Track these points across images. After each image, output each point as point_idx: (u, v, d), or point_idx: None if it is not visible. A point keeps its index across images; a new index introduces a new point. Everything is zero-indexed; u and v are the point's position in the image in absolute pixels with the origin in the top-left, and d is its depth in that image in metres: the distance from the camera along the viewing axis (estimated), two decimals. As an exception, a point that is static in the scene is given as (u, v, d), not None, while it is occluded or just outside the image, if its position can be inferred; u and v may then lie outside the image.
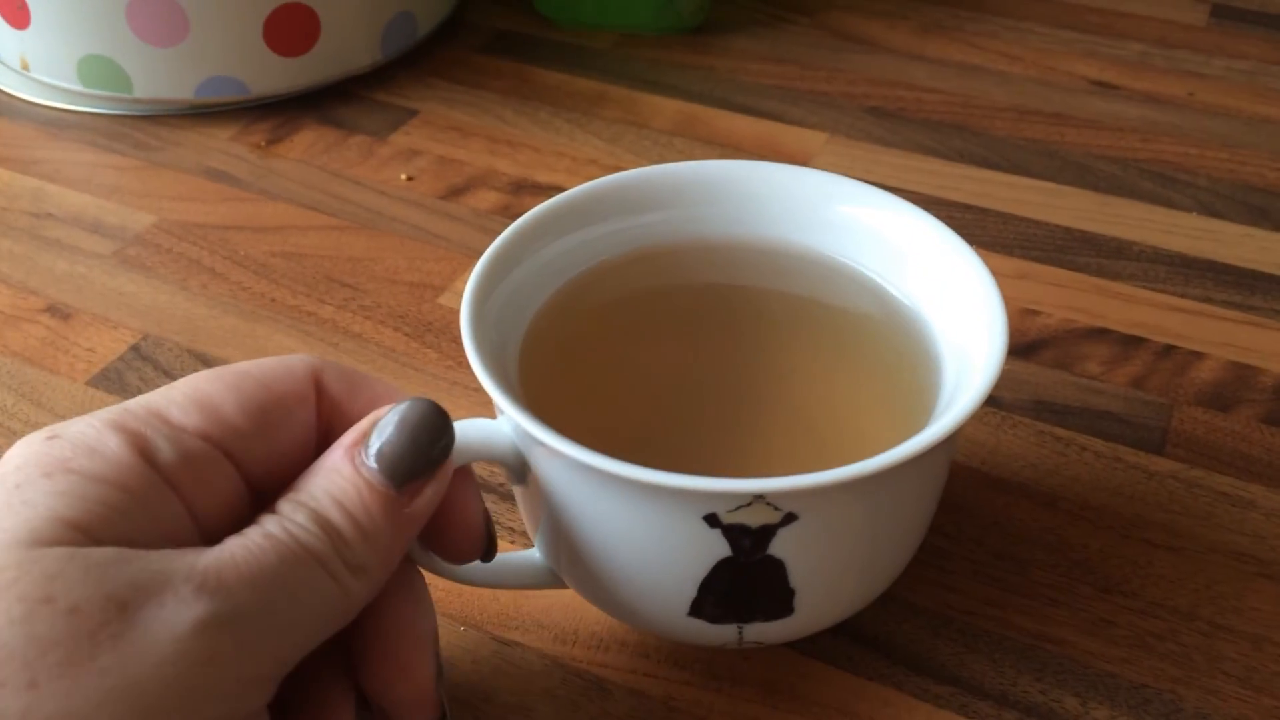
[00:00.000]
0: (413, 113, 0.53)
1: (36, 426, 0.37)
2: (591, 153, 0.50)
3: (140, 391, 0.38)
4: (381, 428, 0.24)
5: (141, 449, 0.22)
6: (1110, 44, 0.58)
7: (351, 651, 0.25)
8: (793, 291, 0.32)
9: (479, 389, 0.26)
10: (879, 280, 0.32)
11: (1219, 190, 0.48)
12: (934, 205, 0.46)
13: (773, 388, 0.30)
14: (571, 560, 0.27)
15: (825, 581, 0.27)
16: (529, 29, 0.60)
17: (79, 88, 0.52)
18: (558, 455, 0.25)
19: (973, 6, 0.62)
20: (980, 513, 0.34)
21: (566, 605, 0.31)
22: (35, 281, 0.43)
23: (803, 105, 0.53)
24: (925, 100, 0.54)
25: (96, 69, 0.51)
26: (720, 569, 0.25)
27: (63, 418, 0.37)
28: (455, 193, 0.48)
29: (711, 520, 0.24)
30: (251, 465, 0.24)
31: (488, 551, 0.27)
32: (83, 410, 0.37)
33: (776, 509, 0.24)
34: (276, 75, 0.52)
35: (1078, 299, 0.42)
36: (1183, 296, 0.42)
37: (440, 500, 0.25)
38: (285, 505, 0.23)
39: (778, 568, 0.25)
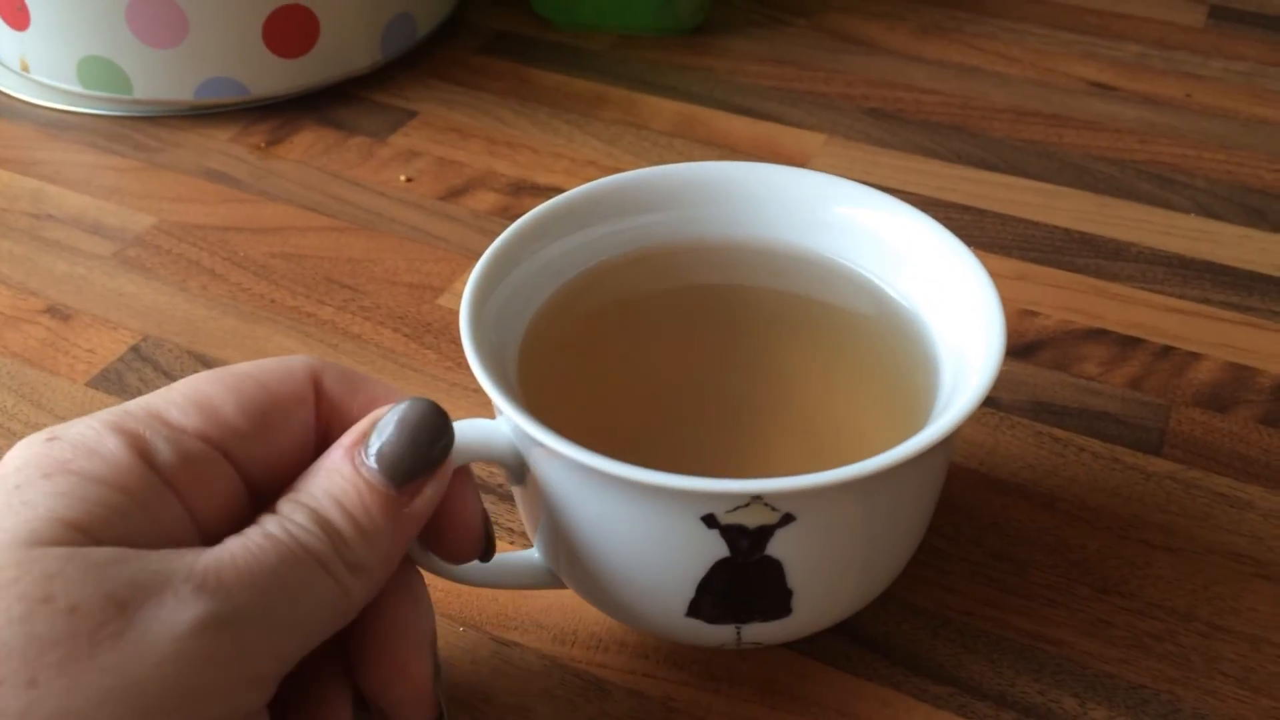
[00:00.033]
0: (412, 114, 0.53)
1: (36, 427, 0.37)
2: (590, 154, 0.50)
3: (140, 392, 0.38)
4: (381, 428, 0.24)
5: (141, 450, 0.22)
6: (1108, 45, 0.59)
7: (350, 651, 0.25)
8: (791, 292, 0.32)
9: (478, 390, 0.26)
10: (877, 281, 0.32)
11: (1217, 191, 0.48)
12: (932, 206, 0.46)
13: (771, 388, 0.30)
14: (570, 560, 0.27)
15: (823, 582, 0.27)
16: (528, 30, 0.60)
17: (79, 89, 0.52)
18: (556, 455, 0.25)
19: (971, 8, 0.62)
20: (978, 513, 0.34)
21: (565, 606, 0.31)
22: (35, 282, 0.43)
23: (801, 106, 0.53)
24: (924, 101, 0.54)
25: (96, 70, 0.51)
26: (718, 569, 0.25)
27: (63, 419, 0.37)
28: (454, 194, 0.48)
29: (709, 521, 0.24)
30: (250, 466, 0.24)
31: (486, 551, 0.27)
32: (83, 411, 0.37)
33: (774, 510, 0.24)
34: (276, 76, 0.52)
35: (1076, 300, 0.42)
36: (1181, 297, 0.42)
37: (440, 500, 0.25)
38: (285, 505, 0.23)
39: (775, 568, 0.25)
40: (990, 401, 0.38)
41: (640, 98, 0.54)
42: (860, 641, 0.31)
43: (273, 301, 0.42)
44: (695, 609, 0.26)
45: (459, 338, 0.28)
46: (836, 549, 0.26)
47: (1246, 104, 0.54)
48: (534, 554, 0.29)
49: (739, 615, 0.27)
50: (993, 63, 0.57)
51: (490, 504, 0.35)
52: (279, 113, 0.53)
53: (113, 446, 0.22)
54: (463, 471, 0.26)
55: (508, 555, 0.29)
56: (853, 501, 0.25)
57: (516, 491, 0.29)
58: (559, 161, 0.50)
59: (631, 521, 0.25)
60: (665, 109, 0.53)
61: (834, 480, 0.23)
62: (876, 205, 0.31)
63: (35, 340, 0.41)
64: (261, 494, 0.25)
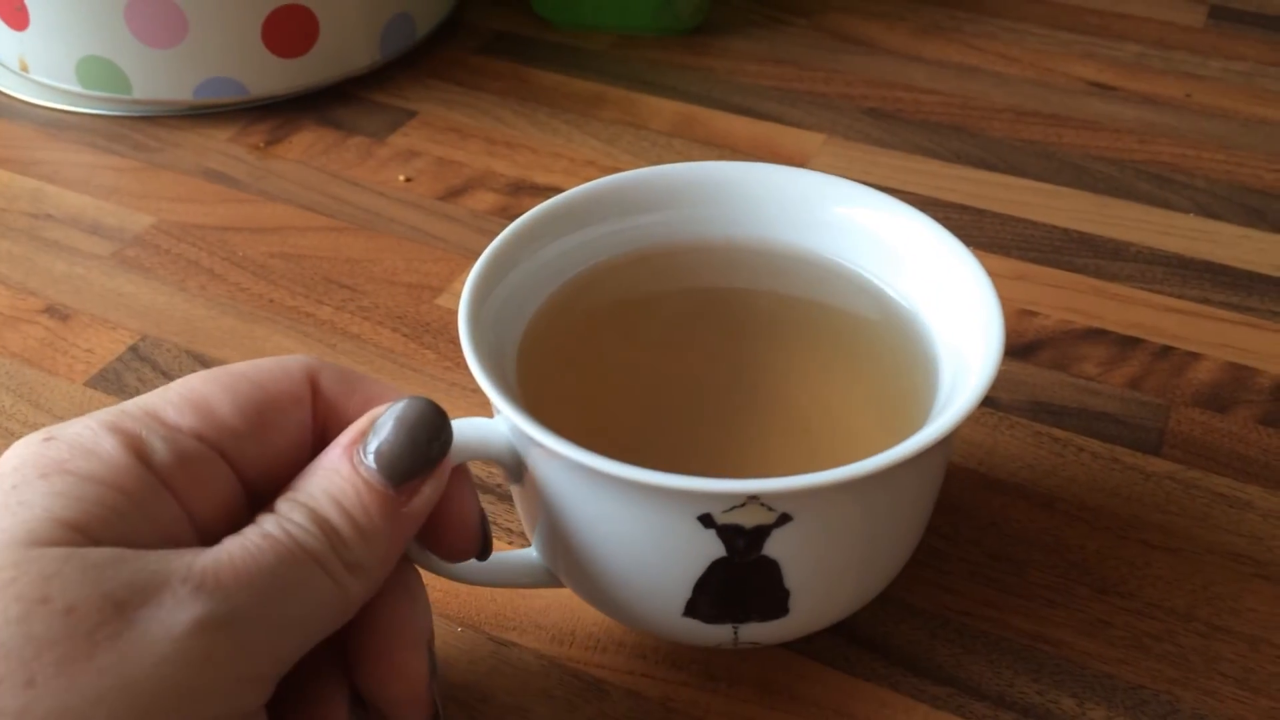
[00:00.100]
0: (411, 114, 0.53)
1: (35, 427, 0.37)
2: (589, 154, 0.50)
3: (139, 392, 0.38)
4: (379, 427, 0.24)
5: (137, 450, 0.22)
6: (1108, 45, 0.59)
7: (347, 649, 0.25)
8: (790, 292, 0.32)
9: (477, 389, 0.26)
10: (876, 281, 0.32)
11: (1216, 191, 0.48)
12: (931, 206, 0.46)
13: (769, 388, 0.30)
14: (568, 560, 0.27)
15: (821, 582, 0.27)
16: (527, 30, 0.60)
17: (78, 89, 0.52)
18: (554, 455, 0.25)
19: (971, 8, 0.62)
20: (977, 514, 0.34)
21: (564, 606, 0.31)
22: (34, 282, 0.43)
23: (800, 106, 0.53)
24: (923, 101, 0.54)
25: (95, 70, 0.51)
26: (715, 569, 0.25)
27: (61, 418, 0.37)
28: (453, 194, 0.48)
29: (706, 520, 0.24)
30: (247, 466, 0.24)
31: (483, 550, 0.27)
32: (81, 411, 0.37)
33: (771, 510, 0.24)
34: (275, 76, 0.52)
35: (1075, 300, 0.42)
36: (1180, 297, 0.42)
37: (438, 499, 0.25)
38: (283, 505, 0.23)
39: (772, 568, 0.25)
40: (989, 401, 0.38)
41: (639, 98, 0.54)
42: (858, 642, 0.31)
43: (271, 301, 0.42)
44: (692, 609, 0.26)
45: (458, 337, 0.28)
46: (834, 549, 0.26)
47: (1246, 104, 0.54)
48: (532, 553, 0.29)
49: (736, 615, 0.27)
50: (992, 63, 0.57)
51: (488, 503, 0.35)
52: (278, 113, 0.53)
53: (110, 446, 0.22)
54: (460, 471, 0.26)
55: (506, 554, 0.29)
56: (850, 502, 0.25)
57: (515, 491, 0.29)
58: (558, 161, 0.50)
59: (629, 521, 0.25)
60: (664, 109, 0.53)
61: (831, 480, 0.23)
62: (875, 205, 0.31)
63: (34, 340, 0.41)
64: (259, 494, 0.24)
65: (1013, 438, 0.36)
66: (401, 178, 0.49)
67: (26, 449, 0.22)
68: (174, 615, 0.20)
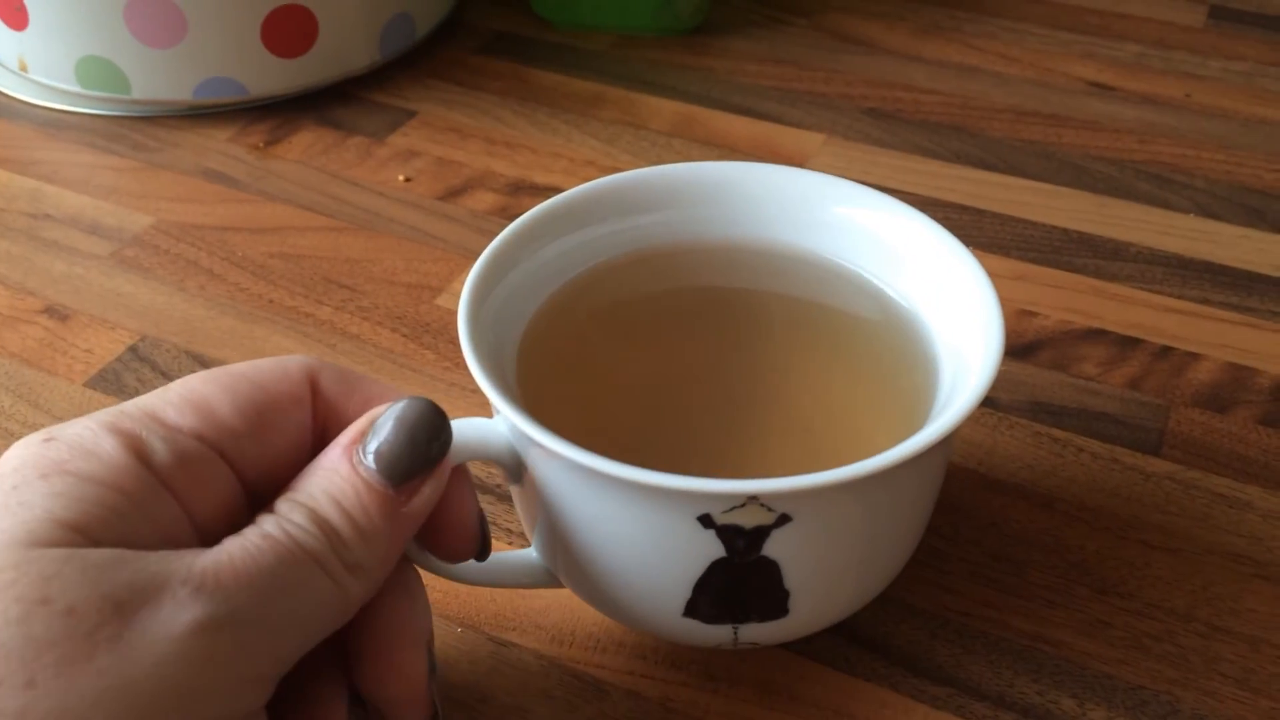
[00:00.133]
0: (411, 114, 0.53)
1: (35, 427, 0.37)
2: (589, 154, 0.50)
3: (138, 393, 0.38)
4: (378, 427, 0.24)
5: (137, 450, 0.22)
6: (1108, 45, 0.58)
7: (346, 649, 0.25)
8: (789, 293, 0.32)
9: (477, 390, 0.26)
10: (876, 281, 0.32)
11: (1216, 191, 0.48)
12: (931, 206, 0.46)
13: (769, 389, 0.30)
14: (567, 560, 0.27)
15: (821, 583, 0.27)
16: (527, 30, 0.60)
17: (77, 89, 0.52)
18: (553, 455, 0.25)
19: (970, 8, 0.62)
20: (977, 514, 0.34)
21: (563, 606, 0.31)
22: (33, 282, 0.43)
23: (800, 106, 0.53)
24: (923, 101, 0.54)
25: (95, 70, 0.51)
26: (714, 570, 0.25)
27: (61, 419, 0.37)
28: (453, 194, 0.48)
29: (705, 521, 0.24)
30: (247, 466, 0.24)
31: (482, 551, 0.27)
32: (81, 411, 0.37)
33: (770, 510, 0.24)
34: (275, 76, 0.52)
35: (1075, 300, 0.42)
36: (1180, 298, 0.42)
37: (438, 499, 0.25)
38: (283, 505, 0.23)
39: (772, 569, 0.25)
40: (989, 402, 0.38)
41: (639, 98, 0.54)
42: (858, 642, 0.31)
43: (271, 301, 0.42)
44: (692, 609, 0.26)
45: (457, 338, 0.28)
46: (834, 550, 0.26)
47: (1246, 104, 0.54)
48: (531, 553, 0.29)
49: (736, 615, 0.27)
50: (992, 63, 0.57)
51: (488, 504, 0.34)
52: (277, 113, 0.53)
53: (109, 447, 0.22)
54: (459, 471, 0.26)
55: (505, 554, 0.29)
56: (850, 502, 0.25)
57: (514, 491, 0.29)
58: (558, 161, 0.50)
59: (628, 521, 0.25)
60: (664, 109, 0.53)
61: (831, 481, 0.23)
62: (875, 205, 0.31)
63: (33, 340, 0.41)
64: (259, 494, 0.24)
65: (1012, 438, 0.36)
66: (401, 178, 0.49)
67: (26, 450, 0.22)
68: (174, 616, 0.20)
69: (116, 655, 0.19)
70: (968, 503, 0.34)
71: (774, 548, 0.25)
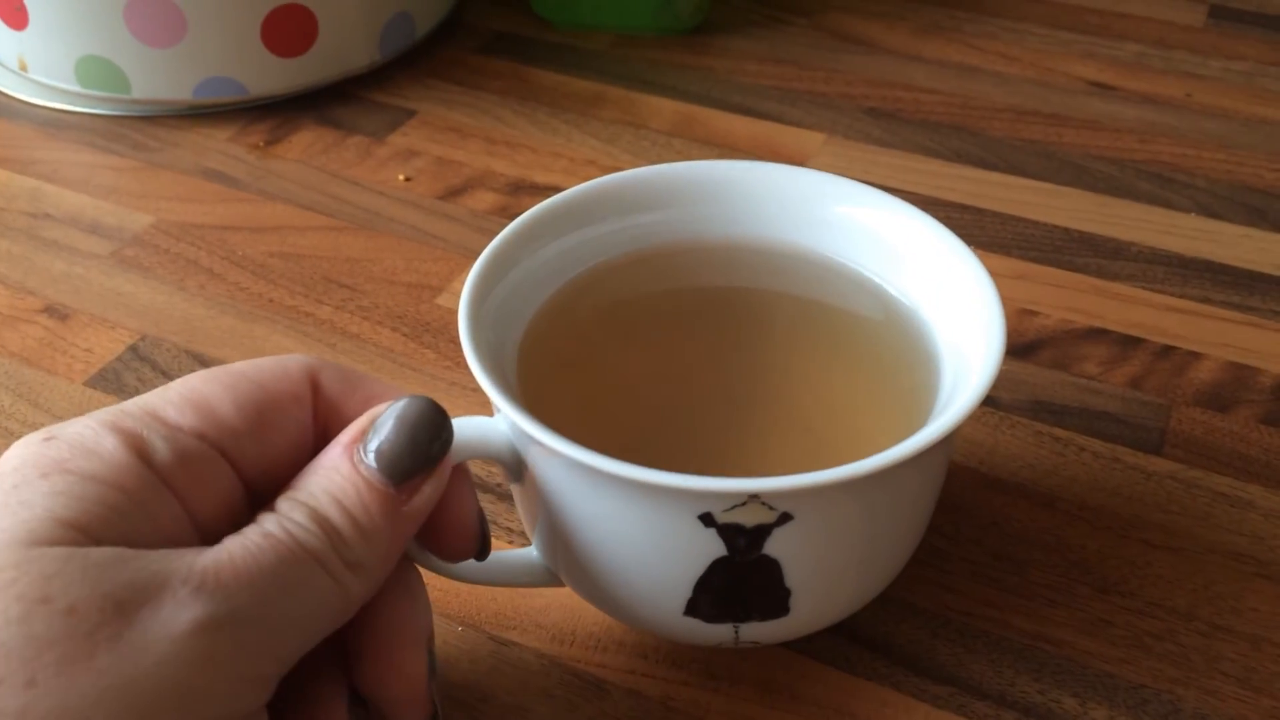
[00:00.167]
0: (411, 113, 0.53)
1: (35, 427, 0.37)
2: (589, 153, 0.50)
3: (138, 392, 0.38)
4: (379, 425, 0.24)
5: (138, 449, 0.22)
6: (1108, 45, 0.58)
7: (347, 648, 0.25)
8: (790, 291, 0.32)
9: (477, 389, 0.26)
10: (877, 280, 0.32)
11: (1217, 191, 0.48)
12: (932, 206, 0.46)
13: (770, 387, 0.30)
14: (568, 559, 0.27)
15: (822, 582, 0.27)
16: (527, 30, 0.60)
17: (77, 88, 0.52)
18: (554, 454, 0.25)
19: (971, 7, 0.62)
20: (978, 513, 0.34)
21: (564, 605, 0.31)
22: (33, 282, 0.43)
23: (800, 106, 0.53)
24: (923, 101, 0.54)
25: (94, 69, 0.51)
26: (715, 568, 0.25)
27: (61, 418, 0.37)
28: (453, 193, 0.48)
29: (707, 520, 0.24)
30: (248, 465, 0.24)
31: (481, 550, 0.27)
32: (81, 411, 0.37)
33: (771, 509, 0.24)
34: (274, 76, 0.52)
35: (1076, 299, 0.42)
36: (1181, 297, 0.42)
37: (439, 498, 0.25)
38: (284, 504, 0.23)
39: (773, 567, 0.25)
40: (990, 401, 0.38)
41: (639, 97, 0.54)
42: (859, 641, 0.31)
43: (271, 301, 0.42)
44: (693, 608, 0.26)
45: (458, 337, 0.28)
46: (835, 548, 0.26)
47: (1246, 103, 0.54)
48: (532, 552, 0.29)
49: (737, 614, 0.27)
50: (992, 62, 0.57)
51: (489, 503, 0.34)
52: (277, 112, 0.53)
53: (110, 446, 0.22)
54: (459, 470, 0.26)
55: (506, 553, 0.29)
56: (851, 501, 0.25)
57: (515, 490, 0.29)
58: (558, 161, 0.50)
59: (629, 520, 0.25)
60: (664, 108, 0.53)
61: (832, 479, 0.23)
62: (876, 204, 0.31)
63: (33, 340, 0.41)
64: (260, 493, 0.24)
65: (1014, 437, 0.36)
66: (401, 177, 0.49)
67: (27, 449, 0.22)
68: (174, 615, 0.20)
69: (117, 655, 0.19)
70: (969, 502, 0.34)
71: (775, 546, 0.25)
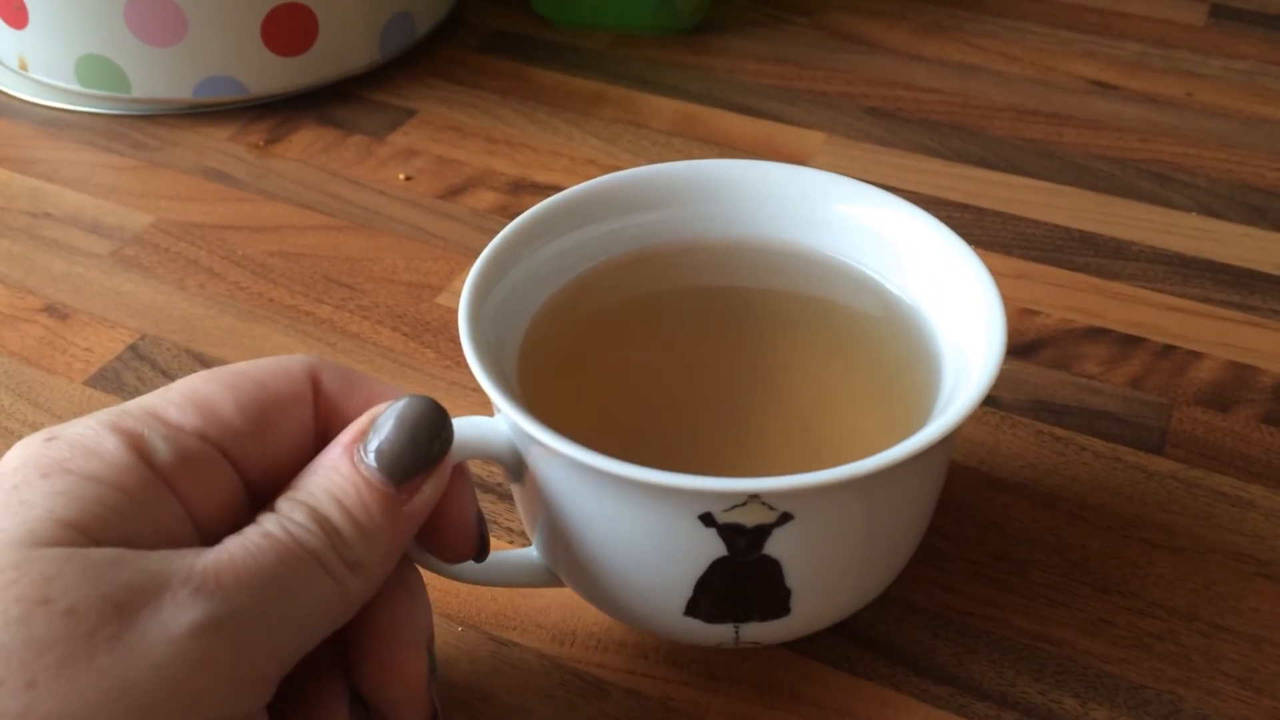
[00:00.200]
0: (411, 113, 0.53)
1: (34, 426, 0.37)
2: (590, 152, 0.50)
3: (138, 391, 0.38)
4: (379, 425, 0.24)
5: (139, 449, 0.22)
6: (1109, 44, 0.58)
7: (347, 649, 0.25)
8: (791, 291, 0.32)
9: (478, 389, 0.26)
10: (877, 279, 0.32)
11: (1217, 190, 0.48)
12: (932, 205, 0.46)
13: (770, 387, 0.30)
14: (568, 559, 0.27)
15: (822, 582, 0.27)
16: (527, 29, 0.60)
17: (77, 87, 0.52)
18: (554, 454, 0.24)
19: (971, 6, 0.62)
20: (979, 513, 0.34)
21: (564, 605, 0.31)
22: (33, 281, 0.43)
23: (801, 105, 0.53)
24: (924, 100, 0.54)
25: (94, 69, 0.51)
26: (716, 568, 0.25)
27: (60, 418, 0.37)
28: (453, 192, 0.48)
29: (707, 520, 0.24)
30: (249, 465, 0.24)
31: (481, 551, 0.27)
32: (81, 410, 0.37)
33: (772, 509, 0.24)
34: (275, 75, 0.52)
35: (1076, 299, 0.42)
36: (1181, 296, 0.42)
37: (439, 497, 0.25)
38: (284, 504, 0.23)
39: (774, 567, 0.25)
40: (991, 400, 0.38)
41: (639, 96, 0.54)
42: (860, 641, 0.31)
43: (271, 300, 0.42)
44: (693, 608, 0.26)
45: (458, 336, 0.28)
46: (835, 548, 0.26)
47: (1247, 103, 0.54)
48: (532, 552, 0.29)
49: (737, 615, 0.26)
50: (993, 61, 0.57)
51: (489, 503, 0.34)
52: (277, 111, 0.53)
53: (111, 446, 0.22)
54: (459, 470, 0.26)
55: (506, 553, 0.29)
56: (851, 501, 0.25)
57: (515, 490, 0.29)
58: (558, 160, 0.50)
59: (629, 520, 0.25)
60: (665, 108, 0.53)
61: (832, 479, 0.23)
62: (877, 203, 0.31)
63: (33, 339, 0.41)
64: (260, 493, 0.24)
65: (1014, 437, 0.36)
66: (401, 176, 0.49)
67: (28, 449, 0.22)
68: (174, 617, 0.20)
69: (116, 656, 0.19)
70: (969, 502, 0.34)
71: (775, 546, 0.25)
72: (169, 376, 0.39)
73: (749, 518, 0.24)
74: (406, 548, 0.25)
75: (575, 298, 0.31)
